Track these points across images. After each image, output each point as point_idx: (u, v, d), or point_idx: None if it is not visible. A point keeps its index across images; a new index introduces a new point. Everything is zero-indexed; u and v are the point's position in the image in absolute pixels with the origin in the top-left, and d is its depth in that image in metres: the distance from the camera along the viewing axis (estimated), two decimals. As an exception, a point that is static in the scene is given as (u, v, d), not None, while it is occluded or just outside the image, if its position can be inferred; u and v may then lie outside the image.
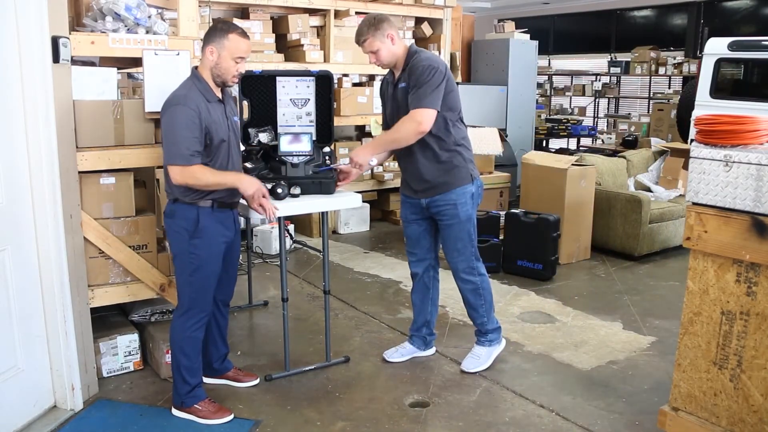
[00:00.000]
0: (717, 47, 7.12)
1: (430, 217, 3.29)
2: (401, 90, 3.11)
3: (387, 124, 3.31)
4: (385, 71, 3.27)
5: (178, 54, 3.06)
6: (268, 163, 3.24)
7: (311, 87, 3.49)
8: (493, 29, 8.40)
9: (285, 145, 3.22)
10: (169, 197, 2.81)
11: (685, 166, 5.70)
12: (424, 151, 3.12)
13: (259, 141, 3.26)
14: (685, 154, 5.75)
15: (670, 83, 11.21)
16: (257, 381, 3.20)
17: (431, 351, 3.58)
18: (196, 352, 2.89)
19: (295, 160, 3.20)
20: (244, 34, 2.74)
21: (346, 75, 6.20)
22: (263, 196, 2.79)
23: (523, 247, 4.92)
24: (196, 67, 2.78)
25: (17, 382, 2.72)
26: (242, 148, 3.15)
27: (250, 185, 2.75)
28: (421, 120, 2.95)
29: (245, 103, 3.41)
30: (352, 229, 6.31)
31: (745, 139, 2.39)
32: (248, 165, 3.15)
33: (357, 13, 6.03)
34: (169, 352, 3.13)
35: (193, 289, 2.81)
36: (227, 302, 3.15)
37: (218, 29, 2.72)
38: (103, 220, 3.05)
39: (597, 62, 12.45)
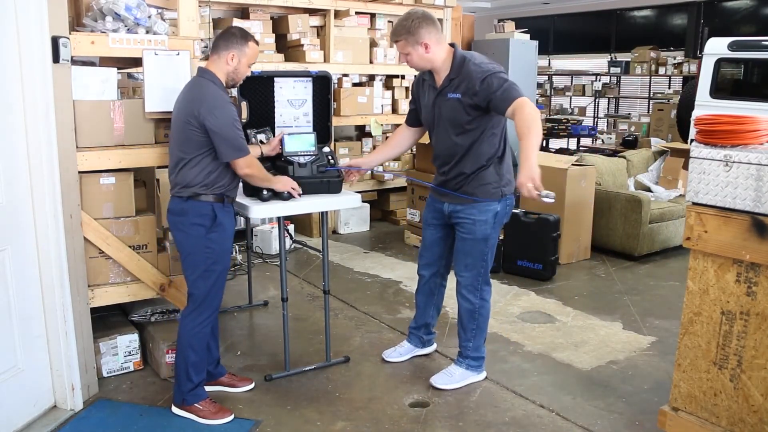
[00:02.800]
0: (717, 47, 7.12)
1: (450, 225, 3.18)
2: (452, 101, 2.90)
3: (424, 125, 3.17)
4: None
5: (178, 54, 3.06)
6: (274, 163, 3.24)
7: (309, 88, 3.48)
8: (493, 29, 8.38)
9: (290, 145, 3.22)
10: (180, 194, 2.77)
11: (685, 166, 5.70)
12: (464, 158, 2.98)
13: (261, 141, 3.29)
14: (685, 154, 5.75)
15: (670, 83, 11.22)
16: (252, 385, 3.19)
17: (431, 348, 3.57)
18: (203, 348, 2.90)
19: (302, 160, 3.20)
20: (256, 41, 2.87)
21: (346, 75, 6.19)
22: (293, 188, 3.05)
23: (523, 247, 4.92)
24: (204, 68, 2.78)
25: (17, 382, 2.72)
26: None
27: (284, 185, 3.01)
28: (527, 102, 2.72)
29: (244, 103, 3.41)
30: (352, 229, 6.31)
31: (745, 139, 2.39)
32: None
33: (357, 13, 6.02)
34: (171, 351, 3.14)
35: (208, 284, 2.83)
36: None
37: (236, 36, 2.78)
38: (103, 220, 3.05)
39: (597, 62, 12.46)
